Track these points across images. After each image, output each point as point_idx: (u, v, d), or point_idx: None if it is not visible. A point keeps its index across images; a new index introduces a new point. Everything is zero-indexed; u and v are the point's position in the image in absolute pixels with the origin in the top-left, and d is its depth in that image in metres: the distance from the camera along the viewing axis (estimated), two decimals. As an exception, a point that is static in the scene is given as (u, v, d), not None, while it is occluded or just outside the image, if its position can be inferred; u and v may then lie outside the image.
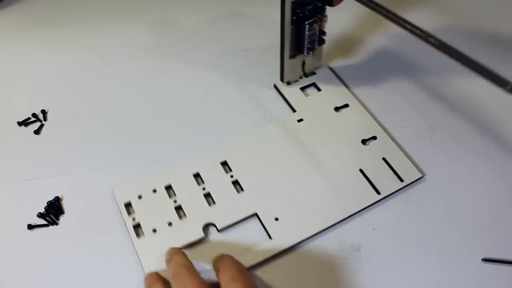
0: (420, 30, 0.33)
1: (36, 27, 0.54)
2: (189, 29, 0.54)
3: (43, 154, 0.42)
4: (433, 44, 0.32)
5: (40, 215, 0.38)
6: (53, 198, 0.39)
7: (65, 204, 0.39)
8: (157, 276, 0.34)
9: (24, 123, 0.45)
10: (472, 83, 0.43)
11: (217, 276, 0.32)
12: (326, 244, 0.37)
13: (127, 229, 0.37)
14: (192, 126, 0.44)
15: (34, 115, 0.45)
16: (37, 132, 0.44)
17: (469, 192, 0.40)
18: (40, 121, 0.45)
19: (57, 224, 0.38)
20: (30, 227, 0.38)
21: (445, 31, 0.52)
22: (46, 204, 0.39)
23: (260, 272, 0.36)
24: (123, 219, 0.38)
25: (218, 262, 0.33)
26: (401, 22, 0.33)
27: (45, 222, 0.38)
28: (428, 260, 0.36)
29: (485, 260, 0.36)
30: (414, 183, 0.40)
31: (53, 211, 0.38)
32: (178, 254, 0.34)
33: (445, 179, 0.41)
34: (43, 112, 0.45)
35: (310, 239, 0.37)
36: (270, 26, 0.53)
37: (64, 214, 0.38)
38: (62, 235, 0.37)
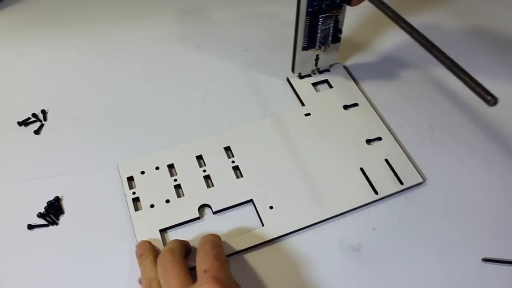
0: (420, 35, 0.31)
1: (36, 27, 0.54)
2: (189, 29, 0.54)
3: (43, 154, 0.42)
4: (431, 52, 0.30)
5: (40, 215, 0.38)
6: (53, 198, 0.39)
7: (65, 204, 0.39)
8: (150, 247, 0.35)
9: (24, 123, 0.45)
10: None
11: (196, 260, 0.32)
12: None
13: (127, 202, 0.38)
14: (193, 125, 0.44)
15: (34, 115, 0.45)
16: (37, 132, 0.44)
17: (469, 192, 0.40)
18: (40, 121, 0.45)
19: (57, 224, 0.38)
20: (30, 227, 0.38)
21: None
22: (46, 204, 0.39)
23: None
24: (124, 192, 0.39)
25: (201, 244, 0.33)
26: (404, 26, 0.32)
27: (45, 222, 0.38)
28: (428, 260, 0.36)
29: (485, 260, 0.36)
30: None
31: (53, 211, 0.38)
32: (173, 240, 0.34)
33: (445, 180, 0.41)
34: (43, 112, 0.45)
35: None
36: (270, 26, 0.54)
37: (64, 214, 0.38)
38: (62, 235, 0.37)
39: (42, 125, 0.44)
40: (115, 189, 0.40)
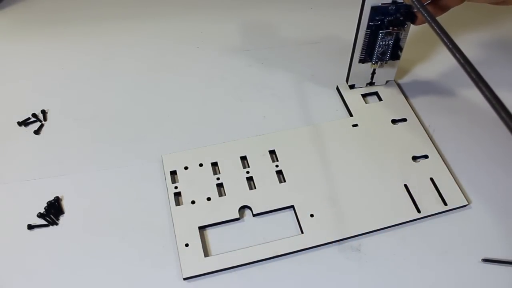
0: (471, 68, 0.28)
1: (36, 27, 0.54)
2: (189, 29, 0.54)
3: (43, 154, 0.42)
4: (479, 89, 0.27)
5: (40, 215, 0.38)
6: (53, 198, 0.39)
7: (65, 204, 0.39)
8: None
9: (24, 123, 0.45)
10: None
11: None
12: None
13: (168, 196, 0.38)
14: (193, 126, 0.44)
15: (34, 115, 0.45)
16: (37, 132, 0.44)
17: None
18: (40, 121, 0.45)
19: (57, 224, 0.38)
20: (30, 227, 0.38)
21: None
22: (46, 204, 0.39)
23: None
24: (166, 186, 0.39)
25: None
26: (457, 55, 0.30)
27: (45, 222, 0.38)
28: (428, 260, 0.36)
29: (485, 260, 0.36)
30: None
31: (53, 211, 0.38)
32: None
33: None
34: (43, 112, 0.45)
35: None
36: (270, 27, 0.54)
37: (64, 214, 0.38)
38: (62, 235, 0.37)
39: (42, 125, 0.44)
40: (117, 189, 0.40)
